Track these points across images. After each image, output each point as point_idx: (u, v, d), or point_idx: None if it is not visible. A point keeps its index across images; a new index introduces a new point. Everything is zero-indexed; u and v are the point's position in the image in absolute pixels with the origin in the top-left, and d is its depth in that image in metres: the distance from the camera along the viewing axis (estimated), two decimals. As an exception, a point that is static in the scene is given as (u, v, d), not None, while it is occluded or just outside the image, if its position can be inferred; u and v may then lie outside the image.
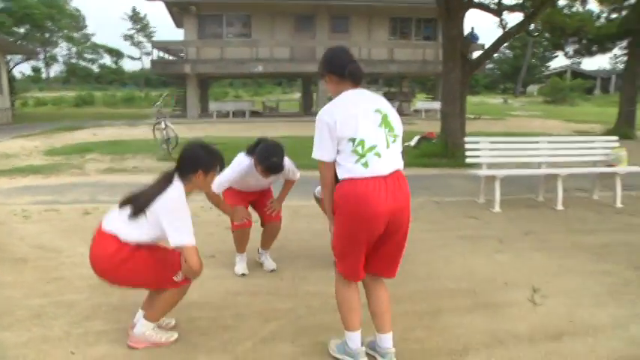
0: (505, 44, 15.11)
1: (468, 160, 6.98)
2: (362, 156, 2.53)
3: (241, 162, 3.94)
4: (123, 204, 2.87)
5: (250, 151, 3.93)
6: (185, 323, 3.27)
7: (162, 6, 26.36)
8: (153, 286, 3.00)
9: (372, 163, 2.52)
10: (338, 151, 2.59)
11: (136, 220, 2.78)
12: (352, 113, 2.56)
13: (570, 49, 19.34)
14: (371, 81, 33.42)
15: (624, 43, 18.07)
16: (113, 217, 2.90)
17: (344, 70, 2.66)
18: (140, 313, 3.12)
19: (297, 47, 23.92)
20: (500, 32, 11.68)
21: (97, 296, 3.67)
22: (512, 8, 11.66)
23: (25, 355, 2.89)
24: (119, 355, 2.91)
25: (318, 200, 4.49)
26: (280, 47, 23.67)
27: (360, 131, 2.54)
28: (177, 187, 2.83)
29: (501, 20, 11.36)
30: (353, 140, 2.54)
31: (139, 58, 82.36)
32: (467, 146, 6.97)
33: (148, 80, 65.01)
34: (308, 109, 27.94)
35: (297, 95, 39.45)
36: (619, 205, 6.78)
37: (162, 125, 11.25)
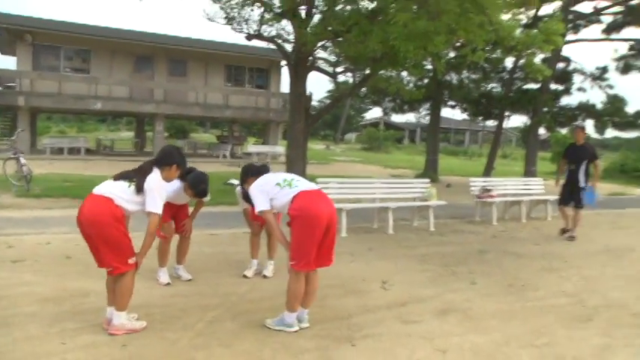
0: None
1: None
2: (289, 185, 4.09)
3: (174, 184, 5.05)
4: (117, 178, 3.97)
5: (182, 176, 5.17)
6: (144, 317, 4.27)
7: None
8: (114, 253, 3.82)
9: (298, 185, 4.12)
10: (272, 199, 4.15)
11: (137, 190, 3.89)
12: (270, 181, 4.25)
13: (387, 107, 23.03)
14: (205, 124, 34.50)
15: (427, 105, 22.14)
16: (108, 185, 3.94)
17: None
18: (109, 309, 4.03)
19: (136, 87, 24.26)
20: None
21: (51, 307, 4.42)
22: (344, 73, 14.08)
23: (21, 349, 3.60)
24: (105, 340, 3.79)
25: (244, 212, 5.79)
26: (119, 86, 23.82)
27: (279, 178, 4.20)
28: (156, 172, 4.04)
29: (336, 83, 13.68)
30: (278, 184, 4.15)
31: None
32: (319, 185, 8.73)
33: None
34: (142, 149, 28.09)
35: (126, 134, 39.09)
36: (432, 229, 9.12)
37: (22, 161, 11.33)
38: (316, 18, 10.06)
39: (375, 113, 65.16)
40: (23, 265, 5.67)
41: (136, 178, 3.96)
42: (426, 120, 55.02)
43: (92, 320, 4.13)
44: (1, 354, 3.51)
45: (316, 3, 10.10)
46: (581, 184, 8.78)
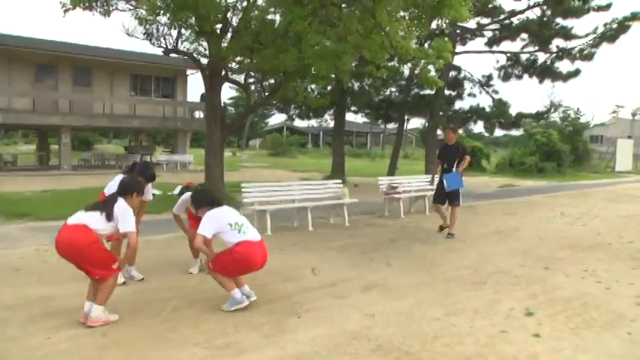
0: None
1: (245, 201, 9.46)
2: (238, 230, 4.91)
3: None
4: (89, 209, 4.60)
5: (129, 170, 5.70)
6: (113, 312, 4.81)
7: None
8: (99, 267, 4.48)
9: (246, 232, 4.93)
10: (220, 232, 4.92)
11: (107, 219, 4.53)
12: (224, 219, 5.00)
13: (293, 114, 24.08)
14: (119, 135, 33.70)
15: (331, 111, 23.44)
16: (80, 216, 4.56)
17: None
18: (88, 303, 4.57)
19: (39, 98, 23.36)
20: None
21: (21, 312, 4.81)
22: (254, 84, 14.87)
23: (10, 348, 3.98)
24: (85, 332, 4.32)
25: (176, 217, 6.47)
26: (20, 97, 22.80)
27: (232, 219, 4.97)
28: (121, 200, 4.70)
29: (248, 95, 14.45)
30: (230, 224, 4.91)
31: None
32: (243, 190, 9.48)
33: None
34: (46, 163, 27.08)
35: (24, 147, 37.20)
36: (347, 224, 10.17)
37: None
38: (231, 35, 10.75)
39: (277, 119, 66.13)
40: (-29, 280, 5.90)
41: (105, 208, 4.61)
42: (328, 124, 57.14)
43: (66, 318, 4.61)
44: None
45: (232, 22, 10.82)
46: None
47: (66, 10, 9.43)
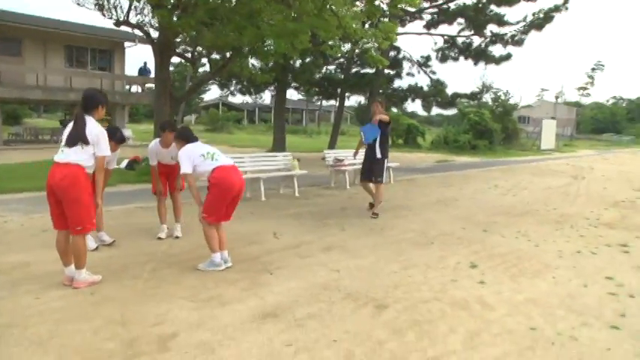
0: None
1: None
2: (211, 158, 5.24)
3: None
4: (70, 144, 4.54)
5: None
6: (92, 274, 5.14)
7: None
8: (83, 216, 4.58)
9: (218, 159, 5.27)
10: (196, 166, 5.28)
11: (84, 147, 4.56)
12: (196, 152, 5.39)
13: (234, 89, 24.22)
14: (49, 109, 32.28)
15: (271, 87, 23.72)
16: (68, 153, 4.54)
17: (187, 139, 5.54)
18: (67, 269, 4.80)
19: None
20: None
21: (2, 275, 4.98)
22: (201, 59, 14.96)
23: (2, 307, 4.27)
24: (73, 292, 4.56)
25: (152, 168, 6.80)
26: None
27: (203, 150, 5.34)
28: (90, 120, 4.65)
29: (195, 69, 14.54)
30: (202, 155, 5.26)
31: None
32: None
33: None
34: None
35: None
36: (297, 195, 10.68)
37: None
38: (185, 9, 10.84)
39: (212, 94, 65.21)
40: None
41: (77, 134, 4.56)
42: (263, 101, 57.06)
43: (49, 281, 4.80)
44: None
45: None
46: (378, 155, 8.70)
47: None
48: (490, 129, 30.16)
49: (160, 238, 6.63)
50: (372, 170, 8.78)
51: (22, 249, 5.98)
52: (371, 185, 9.04)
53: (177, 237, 6.73)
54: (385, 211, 8.98)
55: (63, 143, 4.66)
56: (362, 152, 9.29)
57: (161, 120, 13.41)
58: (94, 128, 4.66)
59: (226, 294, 4.62)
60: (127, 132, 26.13)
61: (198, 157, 5.32)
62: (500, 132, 31.63)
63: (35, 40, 24.76)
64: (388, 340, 3.68)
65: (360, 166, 9.39)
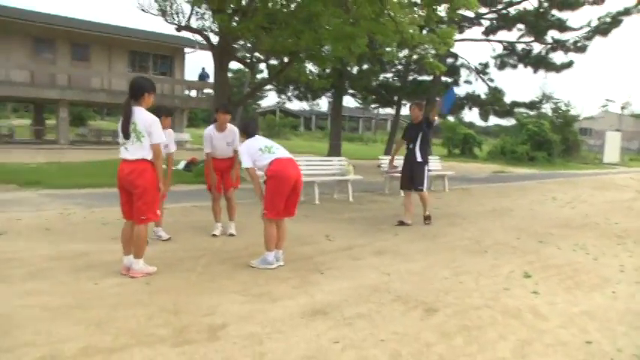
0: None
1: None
2: (268, 151, 5.33)
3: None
4: (125, 136, 4.73)
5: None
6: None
7: None
8: (148, 208, 4.83)
9: (276, 152, 5.35)
10: (255, 160, 5.35)
11: (141, 140, 4.73)
12: (254, 146, 5.44)
13: (291, 95, 24.51)
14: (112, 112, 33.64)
15: (329, 94, 23.90)
16: (132, 149, 4.74)
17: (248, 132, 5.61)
18: (126, 258, 5.01)
19: (38, 71, 23.46)
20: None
21: (65, 263, 5.25)
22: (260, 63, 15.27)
23: (64, 291, 4.41)
24: (130, 281, 4.76)
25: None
26: (18, 70, 22.89)
27: (262, 144, 5.40)
28: (139, 109, 4.77)
29: (254, 74, 14.85)
30: (260, 149, 5.32)
31: None
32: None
33: None
34: (41, 136, 27.24)
35: (16, 121, 37.20)
36: (351, 200, 10.67)
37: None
38: (244, 14, 11.11)
39: (270, 101, 66.18)
40: (8, 237, 6.26)
41: (127, 123, 4.72)
42: (320, 108, 57.47)
43: (108, 270, 5.03)
44: (53, 294, 4.33)
45: (245, 1, 11.19)
46: (419, 159, 8.22)
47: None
48: (549, 140, 29.26)
49: (214, 236, 6.80)
50: (412, 178, 8.26)
51: (84, 239, 6.27)
52: (411, 195, 8.42)
53: (231, 235, 6.87)
54: (438, 219, 8.86)
55: (121, 138, 4.86)
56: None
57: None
58: (146, 117, 4.78)
59: (277, 291, 4.68)
60: (185, 135, 26.93)
61: (257, 152, 5.40)
62: (560, 143, 30.60)
63: (101, 45, 26.05)
64: (436, 343, 3.63)
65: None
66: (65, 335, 3.46)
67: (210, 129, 6.74)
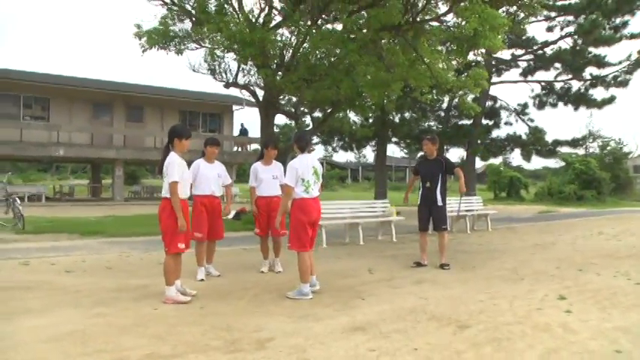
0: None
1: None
2: (306, 186, 5.74)
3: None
4: (160, 175, 5.46)
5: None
6: (200, 295, 5.74)
7: None
8: (167, 241, 5.42)
9: (310, 192, 5.76)
10: (296, 184, 5.75)
11: (164, 179, 5.38)
12: (298, 173, 5.74)
13: (336, 146, 25.28)
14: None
15: (372, 142, 24.53)
16: (163, 188, 5.41)
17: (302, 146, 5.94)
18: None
19: (96, 133, 25.25)
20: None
21: (127, 293, 5.79)
22: (304, 115, 16.04)
23: (126, 315, 4.93)
24: (185, 307, 5.20)
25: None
26: (79, 132, 24.71)
27: (305, 175, 5.76)
28: (172, 155, 5.42)
29: (297, 124, 15.62)
30: (302, 179, 5.74)
31: None
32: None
33: None
34: (98, 194, 28.79)
35: (75, 181, 39.47)
36: (394, 240, 10.95)
37: (18, 202, 12.41)
38: (286, 68, 11.91)
39: (317, 154, 67.42)
40: (76, 274, 6.94)
41: (160, 165, 5.46)
42: (367, 160, 58.14)
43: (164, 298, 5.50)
44: (118, 316, 4.85)
45: (287, 57, 12.01)
46: (439, 202, 7.80)
47: (144, 50, 10.76)
48: (598, 178, 28.64)
49: (262, 272, 7.20)
50: (433, 219, 7.89)
51: (142, 276, 6.84)
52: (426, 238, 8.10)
53: (278, 272, 7.23)
54: (478, 254, 9.03)
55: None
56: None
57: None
58: (167, 159, 5.38)
59: (320, 313, 5.03)
60: (235, 189, 27.87)
61: (298, 180, 5.68)
62: (610, 181, 29.88)
63: (154, 107, 27.80)
64: (466, 351, 3.88)
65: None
66: (130, 345, 3.93)
67: (257, 163, 7.20)
